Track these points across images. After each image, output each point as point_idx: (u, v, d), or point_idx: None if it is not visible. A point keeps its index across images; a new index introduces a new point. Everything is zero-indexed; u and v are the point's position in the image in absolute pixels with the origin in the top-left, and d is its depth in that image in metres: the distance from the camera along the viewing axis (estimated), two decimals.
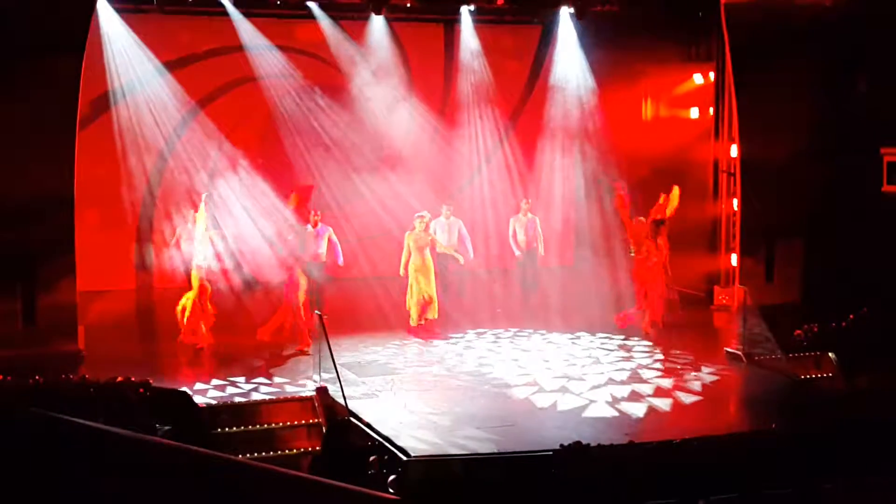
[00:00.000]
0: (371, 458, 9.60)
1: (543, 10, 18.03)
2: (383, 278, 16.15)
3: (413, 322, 14.95)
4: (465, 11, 17.57)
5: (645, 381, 12.62)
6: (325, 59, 17.45)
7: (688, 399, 11.95)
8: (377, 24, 17.29)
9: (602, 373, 13.02)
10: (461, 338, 15.07)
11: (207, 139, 16.58)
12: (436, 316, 14.99)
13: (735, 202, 16.60)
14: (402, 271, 14.97)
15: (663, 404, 11.71)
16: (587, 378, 12.76)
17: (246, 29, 16.46)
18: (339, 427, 9.81)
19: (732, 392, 12.33)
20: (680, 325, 15.43)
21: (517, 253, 16.78)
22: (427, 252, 14.96)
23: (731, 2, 15.75)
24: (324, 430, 11.02)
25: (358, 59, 17.33)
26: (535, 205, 17.47)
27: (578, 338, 15.01)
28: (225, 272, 14.07)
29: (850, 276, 15.50)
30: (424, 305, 14.89)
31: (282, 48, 17.09)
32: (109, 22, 15.45)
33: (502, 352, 14.29)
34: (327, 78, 17.57)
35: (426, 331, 14.96)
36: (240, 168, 15.80)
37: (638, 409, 11.52)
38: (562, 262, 18.46)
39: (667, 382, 12.57)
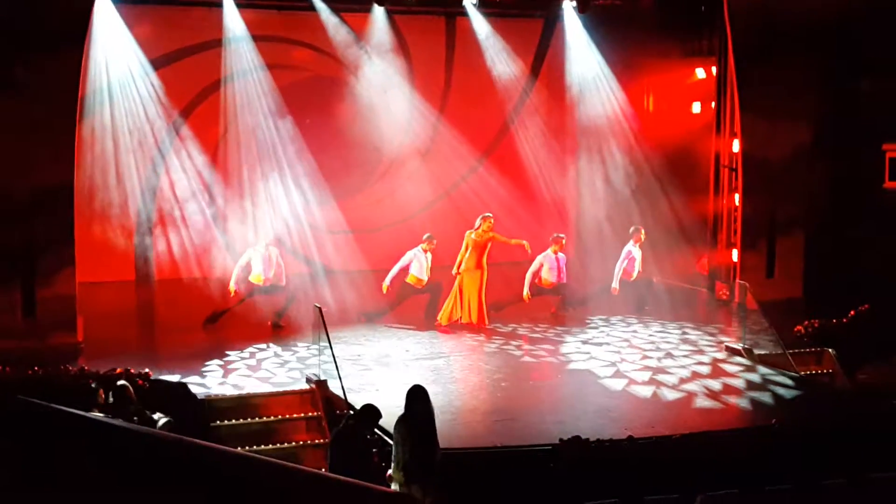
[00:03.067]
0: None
1: (546, 3, 17.99)
2: (378, 271, 15.90)
3: (444, 321, 14.79)
4: (468, 4, 17.52)
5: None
6: (325, 51, 17.39)
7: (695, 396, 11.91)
8: (378, 17, 17.24)
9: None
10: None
11: (205, 130, 16.56)
12: (466, 319, 14.70)
13: (736, 197, 16.57)
14: (455, 270, 14.82)
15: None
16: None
17: (243, 21, 16.35)
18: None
19: (733, 388, 12.27)
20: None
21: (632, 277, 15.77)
22: (483, 255, 14.74)
23: None
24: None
25: (358, 52, 17.27)
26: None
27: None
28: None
29: (851, 272, 15.49)
30: (457, 305, 14.73)
31: (280, 40, 17.03)
32: (104, 14, 15.27)
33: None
34: (327, 70, 17.52)
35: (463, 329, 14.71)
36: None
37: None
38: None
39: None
